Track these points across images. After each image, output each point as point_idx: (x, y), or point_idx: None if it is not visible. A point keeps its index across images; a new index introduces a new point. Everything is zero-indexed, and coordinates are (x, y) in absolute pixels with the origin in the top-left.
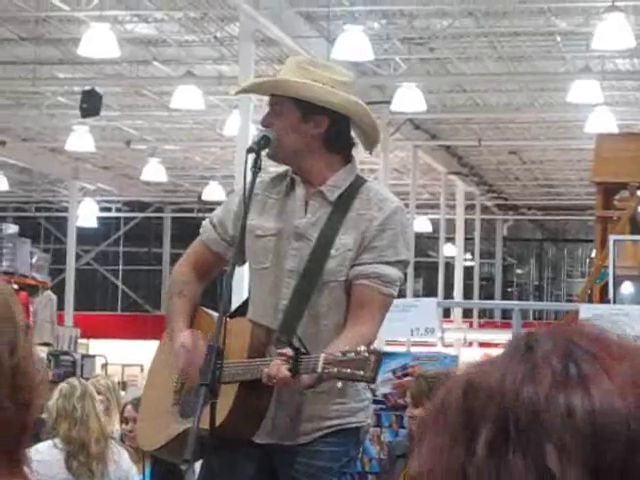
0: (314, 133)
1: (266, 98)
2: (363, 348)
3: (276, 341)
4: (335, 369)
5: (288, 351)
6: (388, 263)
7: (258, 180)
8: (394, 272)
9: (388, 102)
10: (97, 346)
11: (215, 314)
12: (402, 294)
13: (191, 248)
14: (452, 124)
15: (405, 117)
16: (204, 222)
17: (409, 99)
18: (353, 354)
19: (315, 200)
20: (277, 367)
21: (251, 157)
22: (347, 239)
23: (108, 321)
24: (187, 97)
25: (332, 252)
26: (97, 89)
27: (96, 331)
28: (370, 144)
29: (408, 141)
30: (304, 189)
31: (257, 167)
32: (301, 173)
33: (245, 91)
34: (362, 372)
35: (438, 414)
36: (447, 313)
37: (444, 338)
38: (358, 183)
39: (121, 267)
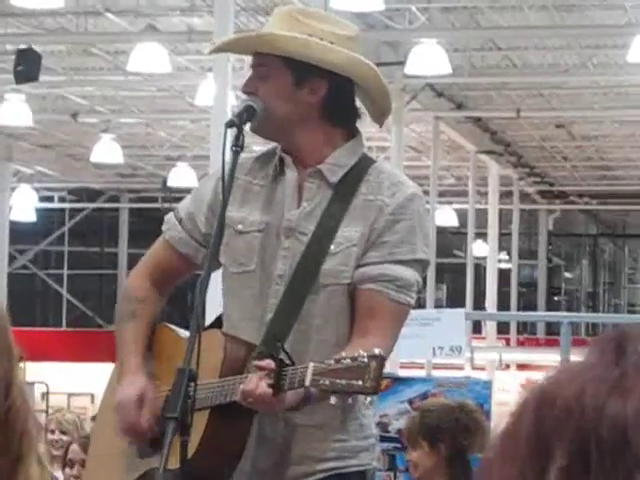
0: (310, 101)
1: (248, 58)
2: (362, 352)
3: (257, 356)
4: (327, 380)
5: (269, 363)
6: (402, 262)
7: (239, 161)
8: (410, 274)
9: (402, 63)
10: (36, 371)
11: (182, 331)
12: (420, 304)
13: (151, 250)
14: (483, 90)
15: (424, 81)
16: (167, 216)
17: (429, 59)
18: (349, 360)
19: (312, 183)
20: (255, 382)
21: (231, 132)
22: (351, 232)
23: (50, 339)
24: (148, 57)
25: (332, 248)
26: (35, 48)
27: (35, 352)
28: (380, 115)
29: (428, 111)
30: (296, 171)
31: (239, 145)
32: (293, 151)
33: (222, 49)
34: (360, 382)
35: (506, 439)
36: (477, 328)
37: (474, 359)
38: (365, 163)
39: (66, 271)
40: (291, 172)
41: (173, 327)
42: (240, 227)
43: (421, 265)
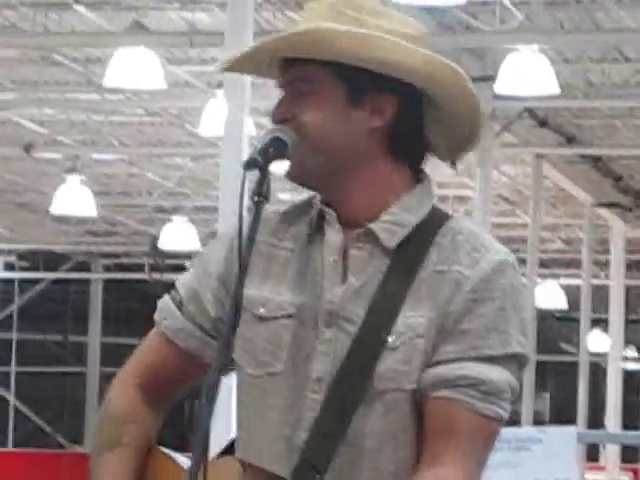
0: (372, 125)
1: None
2: None
3: None
4: None
5: None
6: (491, 360)
7: (272, 210)
8: (502, 375)
9: (491, 78)
10: None
11: (183, 459)
12: (514, 419)
13: (141, 347)
14: (605, 118)
15: (521, 105)
16: (162, 301)
17: (528, 73)
18: None
19: (361, 249)
20: None
21: (251, 176)
22: (417, 317)
23: None
24: (134, 68)
25: (390, 340)
26: None
27: None
28: (461, 145)
29: (526, 147)
30: (341, 231)
31: (262, 194)
32: (340, 202)
33: (238, 66)
34: None
35: None
36: (594, 453)
37: None
38: (436, 220)
39: (14, 368)
40: (334, 233)
41: (168, 452)
42: (262, 311)
43: (517, 362)
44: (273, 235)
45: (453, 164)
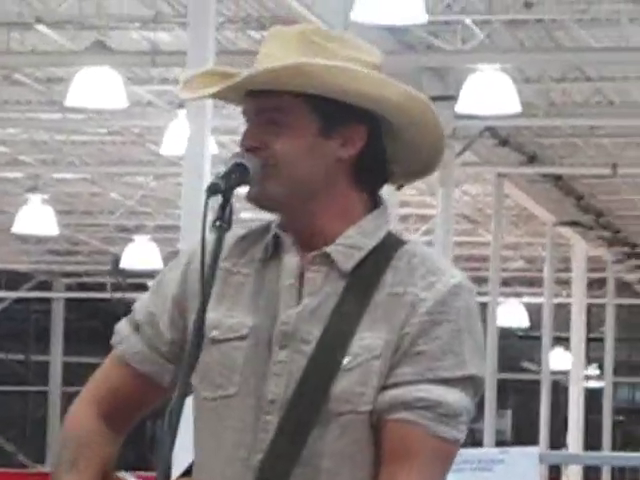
0: (341, 156)
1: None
2: None
3: None
4: None
5: None
6: (446, 382)
7: (229, 235)
8: (458, 397)
9: (452, 98)
10: None
11: None
12: (476, 440)
13: (99, 372)
14: (565, 137)
15: (482, 124)
16: (119, 324)
17: (489, 93)
18: None
19: (316, 272)
20: None
21: (214, 201)
22: (373, 339)
23: None
24: (96, 87)
25: (345, 362)
26: None
27: None
28: (416, 174)
29: (488, 166)
30: (297, 255)
31: (224, 220)
32: (301, 228)
33: (216, 92)
34: None
35: None
36: (556, 474)
37: None
38: (391, 244)
39: None
40: (291, 257)
41: (125, 475)
42: (215, 333)
43: (473, 385)
44: (227, 259)
45: (399, 187)
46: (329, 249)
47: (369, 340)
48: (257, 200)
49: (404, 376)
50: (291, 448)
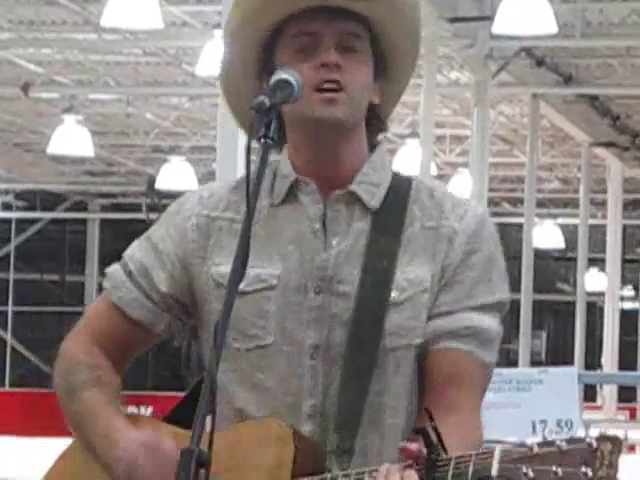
0: (374, 100)
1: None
2: (584, 434)
3: (338, 452)
4: (529, 469)
5: (414, 446)
6: (482, 308)
7: (220, 186)
8: (493, 323)
9: (488, 18)
10: None
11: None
12: (510, 360)
13: (90, 314)
14: (602, 57)
15: (518, 45)
16: (112, 269)
17: (525, 13)
18: (564, 443)
19: (338, 211)
20: (397, 475)
21: (258, 121)
22: (419, 272)
23: None
24: (131, 8)
25: (394, 296)
26: None
27: None
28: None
29: (523, 87)
30: (320, 197)
31: (269, 135)
32: (329, 161)
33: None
34: (590, 470)
35: None
36: (590, 393)
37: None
38: (401, 180)
39: (11, 307)
40: (312, 200)
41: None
42: (242, 286)
43: (501, 309)
44: (227, 209)
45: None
46: (353, 187)
47: (414, 274)
48: (325, 121)
49: (445, 305)
50: (357, 391)
